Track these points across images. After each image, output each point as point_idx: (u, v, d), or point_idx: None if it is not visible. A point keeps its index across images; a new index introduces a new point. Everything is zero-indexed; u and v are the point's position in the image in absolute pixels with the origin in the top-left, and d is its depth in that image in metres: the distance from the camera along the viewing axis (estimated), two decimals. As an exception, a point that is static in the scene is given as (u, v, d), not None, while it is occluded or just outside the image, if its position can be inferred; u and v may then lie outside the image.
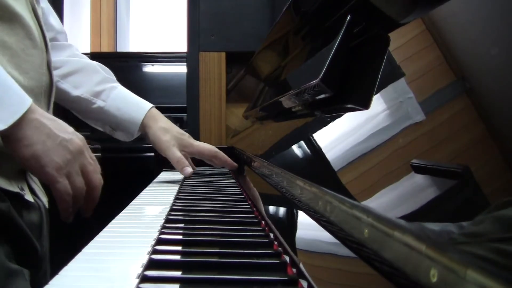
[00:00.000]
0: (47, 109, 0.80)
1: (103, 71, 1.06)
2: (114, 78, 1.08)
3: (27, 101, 0.63)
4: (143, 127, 1.04)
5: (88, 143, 0.74)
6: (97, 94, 1.03)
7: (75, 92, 1.03)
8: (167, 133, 1.03)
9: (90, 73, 1.04)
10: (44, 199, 0.83)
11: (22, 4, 0.76)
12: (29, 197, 0.75)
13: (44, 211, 0.82)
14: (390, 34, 0.46)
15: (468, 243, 0.23)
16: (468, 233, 0.24)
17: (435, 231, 0.27)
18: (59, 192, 0.65)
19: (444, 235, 0.25)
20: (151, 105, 1.06)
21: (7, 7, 0.72)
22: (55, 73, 0.89)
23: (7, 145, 0.63)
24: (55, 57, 0.98)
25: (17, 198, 0.71)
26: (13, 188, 0.71)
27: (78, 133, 0.70)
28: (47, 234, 0.84)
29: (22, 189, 0.73)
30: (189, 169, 1.01)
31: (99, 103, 1.04)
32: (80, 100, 1.04)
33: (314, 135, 0.61)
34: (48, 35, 0.91)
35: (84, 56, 1.08)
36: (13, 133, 0.62)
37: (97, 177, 0.73)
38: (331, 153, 0.52)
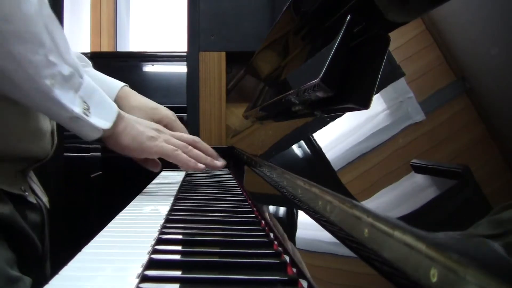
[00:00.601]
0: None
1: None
2: (88, 63, 1.04)
3: (114, 104, 0.77)
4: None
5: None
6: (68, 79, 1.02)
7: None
8: (138, 110, 0.96)
9: None
10: (45, 199, 0.83)
11: None
12: (31, 198, 0.75)
13: (45, 211, 0.82)
14: (390, 34, 0.46)
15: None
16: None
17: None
18: (164, 151, 0.83)
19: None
20: (122, 84, 1.01)
21: None
22: None
23: (109, 144, 0.78)
24: None
25: (20, 199, 0.71)
26: (16, 190, 0.71)
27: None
28: (48, 234, 0.83)
29: (24, 191, 0.73)
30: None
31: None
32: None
33: (314, 135, 0.61)
34: None
35: None
36: (112, 131, 0.76)
37: (187, 135, 0.91)
38: (331, 153, 0.52)
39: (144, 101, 1.01)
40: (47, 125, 0.76)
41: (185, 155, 0.84)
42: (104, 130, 0.73)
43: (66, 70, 0.65)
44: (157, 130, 0.85)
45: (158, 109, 0.99)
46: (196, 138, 0.91)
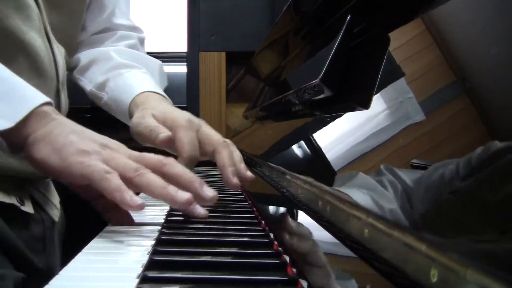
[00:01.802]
0: None
1: (122, 57, 0.89)
2: (140, 64, 0.89)
3: (38, 99, 0.54)
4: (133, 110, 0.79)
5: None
6: (101, 86, 0.86)
7: (88, 87, 0.89)
8: (144, 110, 0.75)
9: (102, 61, 0.89)
10: (53, 212, 0.79)
11: (31, 28, 0.69)
12: (27, 208, 0.70)
13: (50, 225, 0.77)
14: (390, 34, 0.46)
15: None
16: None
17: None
18: (94, 175, 0.51)
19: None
20: (146, 88, 0.81)
21: (11, 34, 0.66)
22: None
23: (26, 156, 0.54)
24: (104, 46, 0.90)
25: (12, 209, 0.67)
26: (10, 199, 0.67)
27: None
28: (57, 248, 0.79)
29: (21, 201, 0.69)
30: (165, 134, 0.69)
31: (104, 97, 0.86)
32: (93, 96, 0.88)
33: (314, 135, 0.61)
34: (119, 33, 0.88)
35: (125, 42, 0.95)
36: (24, 136, 0.53)
37: (153, 156, 0.58)
38: (331, 153, 0.52)
39: (161, 108, 0.77)
40: None
41: (116, 181, 0.50)
42: (2, 133, 0.51)
43: None
44: (102, 144, 0.54)
45: (167, 115, 0.75)
46: (167, 160, 0.57)
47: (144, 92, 0.80)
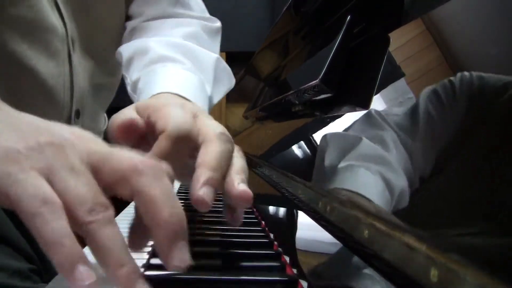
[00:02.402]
0: None
1: (163, 48, 0.71)
2: (186, 57, 0.71)
3: None
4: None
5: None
6: (134, 88, 0.70)
7: (128, 89, 0.73)
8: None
9: (139, 56, 0.73)
10: None
11: (41, 54, 0.63)
12: None
13: None
14: (390, 34, 0.46)
15: None
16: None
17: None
18: (21, 199, 0.31)
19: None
20: (166, 88, 0.60)
21: (16, 59, 0.60)
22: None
23: None
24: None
25: None
26: None
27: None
28: None
29: None
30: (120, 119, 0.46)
31: (135, 99, 0.69)
32: (133, 100, 0.71)
33: (314, 135, 0.61)
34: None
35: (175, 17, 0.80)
36: None
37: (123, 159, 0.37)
38: (331, 153, 0.52)
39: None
40: None
41: (56, 226, 0.31)
42: None
43: None
44: (48, 142, 0.32)
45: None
46: (145, 164, 0.37)
47: (160, 93, 0.59)
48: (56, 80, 0.67)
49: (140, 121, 0.45)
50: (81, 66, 0.73)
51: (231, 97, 1.61)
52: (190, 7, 0.85)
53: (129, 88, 0.72)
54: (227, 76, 0.80)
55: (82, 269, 0.31)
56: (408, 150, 0.31)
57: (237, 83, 1.64)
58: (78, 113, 0.74)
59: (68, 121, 0.72)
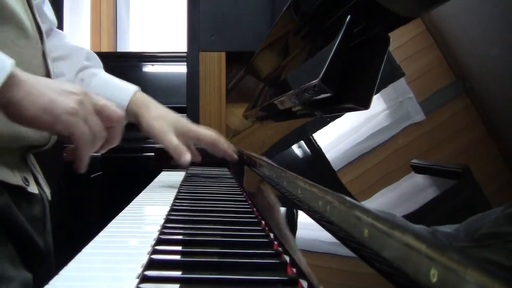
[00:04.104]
0: None
1: (85, 57, 0.98)
2: (98, 63, 1.00)
3: (9, 62, 0.56)
4: (133, 115, 0.94)
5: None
6: (79, 81, 0.95)
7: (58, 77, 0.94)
8: (161, 120, 0.93)
9: (73, 61, 0.96)
10: (47, 191, 0.81)
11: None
12: (33, 188, 0.73)
13: (47, 204, 0.79)
14: (390, 34, 0.46)
15: (488, 245, 0.23)
16: (486, 234, 0.24)
17: (448, 234, 0.27)
18: (81, 138, 0.62)
19: (458, 237, 0.25)
20: (136, 88, 0.95)
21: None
22: None
23: (10, 116, 0.58)
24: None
25: (19, 190, 0.69)
26: (17, 180, 0.68)
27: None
28: (50, 229, 0.81)
29: (26, 180, 0.71)
30: (187, 156, 0.90)
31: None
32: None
33: (314, 135, 0.61)
34: (44, 27, 0.89)
35: (70, 42, 1.02)
36: (8, 99, 0.56)
37: (115, 110, 0.68)
38: (331, 153, 0.52)
39: (165, 110, 0.95)
40: None
41: (89, 152, 0.64)
42: None
43: None
44: (78, 99, 0.62)
45: (181, 121, 0.96)
46: (118, 115, 0.68)
47: (136, 95, 0.93)
48: (25, 17, 0.72)
49: None
50: (35, 8, 0.79)
51: (231, 97, 1.61)
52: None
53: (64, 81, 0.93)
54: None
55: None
56: None
57: (237, 83, 1.64)
58: (47, 54, 0.79)
59: (44, 57, 0.77)
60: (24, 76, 0.58)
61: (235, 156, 1.00)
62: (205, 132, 0.98)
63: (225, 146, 1.00)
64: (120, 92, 0.93)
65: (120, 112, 0.68)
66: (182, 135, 0.94)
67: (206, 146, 0.99)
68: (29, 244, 0.70)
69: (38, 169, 0.80)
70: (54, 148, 0.77)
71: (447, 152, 0.32)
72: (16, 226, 0.67)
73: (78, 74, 0.96)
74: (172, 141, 0.91)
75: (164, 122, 0.93)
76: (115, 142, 0.70)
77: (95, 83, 0.94)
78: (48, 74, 0.77)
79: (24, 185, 0.70)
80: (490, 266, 0.20)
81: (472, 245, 0.24)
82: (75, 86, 0.65)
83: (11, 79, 0.55)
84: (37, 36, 0.77)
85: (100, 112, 0.65)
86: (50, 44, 0.93)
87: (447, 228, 0.27)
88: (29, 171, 0.74)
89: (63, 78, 0.95)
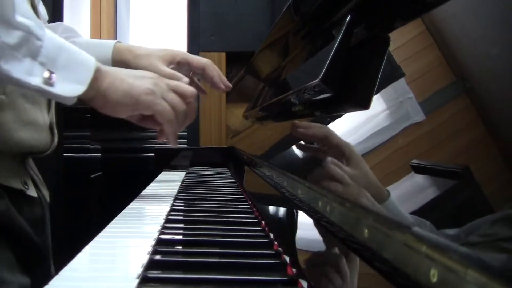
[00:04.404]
0: (49, 107, 0.79)
1: (62, 31, 0.94)
2: (75, 33, 0.97)
3: (91, 58, 0.65)
4: (121, 64, 0.89)
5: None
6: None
7: None
8: (147, 56, 0.88)
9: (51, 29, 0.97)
10: (46, 193, 0.81)
11: None
12: (32, 192, 0.73)
13: (47, 206, 0.80)
14: (390, 34, 0.46)
15: (481, 242, 0.23)
16: (482, 234, 0.24)
17: (448, 235, 0.27)
18: (163, 114, 0.71)
19: (458, 237, 0.25)
20: (115, 40, 0.93)
21: None
22: None
23: (96, 106, 0.67)
24: None
25: (19, 194, 0.70)
26: (16, 184, 0.69)
27: None
28: (49, 231, 0.82)
29: (25, 184, 0.72)
30: (185, 79, 0.84)
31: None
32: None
33: (314, 135, 0.61)
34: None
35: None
36: (96, 90, 0.65)
37: (187, 87, 0.76)
38: (331, 153, 0.52)
39: (150, 48, 0.92)
40: (43, 118, 0.74)
41: (172, 129, 0.73)
42: (81, 94, 0.63)
43: (13, 38, 0.56)
44: (155, 83, 0.72)
45: (167, 49, 0.91)
46: (192, 91, 0.77)
47: (116, 43, 0.91)
48: None
49: None
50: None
51: (231, 97, 1.61)
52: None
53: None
54: None
55: (175, 138, 0.76)
56: None
57: (237, 84, 1.64)
58: None
59: None
60: (105, 68, 0.67)
61: (222, 86, 0.96)
62: (195, 56, 0.92)
63: (214, 73, 0.94)
64: (101, 48, 0.90)
65: (192, 88, 0.76)
66: (173, 63, 0.90)
67: (196, 71, 0.95)
68: (30, 246, 0.70)
69: (37, 172, 0.80)
70: (53, 159, 0.77)
71: (447, 152, 0.32)
72: (16, 229, 0.67)
73: (62, 35, 0.92)
74: (166, 70, 0.87)
75: (150, 57, 0.89)
76: (193, 117, 0.79)
77: (78, 44, 0.92)
78: None
79: (24, 188, 0.71)
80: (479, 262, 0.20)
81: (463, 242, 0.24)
82: (149, 72, 0.74)
83: (96, 73, 0.64)
84: None
85: (175, 91, 0.73)
86: None
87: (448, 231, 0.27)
88: (28, 175, 0.75)
89: None
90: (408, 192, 0.34)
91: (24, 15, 0.58)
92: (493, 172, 0.27)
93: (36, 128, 0.72)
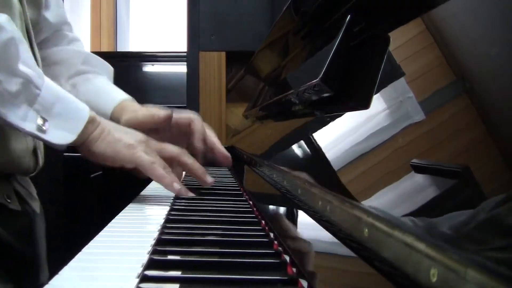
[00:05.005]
0: None
1: (82, 62, 0.94)
2: (100, 67, 0.97)
3: (85, 108, 0.69)
4: (117, 122, 0.84)
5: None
6: (71, 88, 0.90)
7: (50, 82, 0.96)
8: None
9: (68, 65, 0.94)
10: (35, 204, 0.81)
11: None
12: (14, 206, 0.73)
13: (35, 217, 0.80)
14: (390, 34, 0.46)
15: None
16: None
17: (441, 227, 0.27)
18: (145, 166, 0.72)
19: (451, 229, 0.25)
20: (126, 96, 0.89)
21: None
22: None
23: (81, 151, 0.71)
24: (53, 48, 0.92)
25: (1, 207, 0.70)
26: None
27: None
28: (42, 239, 0.82)
29: (8, 197, 0.72)
30: (166, 112, 0.83)
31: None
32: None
33: (314, 135, 0.61)
34: (46, 33, 0.88)
35: (73, 46, 0.98)
36: (85, 139, 0.69)
37: (172, 148, 0.77)
38: (331, 153, 0.52)
39: (134, 114, 0.84)
40: (26, 143, 0.73)
41: (161, 170, 0.72)
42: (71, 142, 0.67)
43: (13, 85, 0.59)
44: (140, 140, 0.74)
45: (150, 115, 0.83)
46: (180, 152, 0.77)
47: (122, 101, 0.88)
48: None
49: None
50: (35, 41, 0.78)
51: (231, 97, 1.61)
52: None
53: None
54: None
55: (176, 184, 0.73)
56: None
57: (237, 83, 1.64)
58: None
59: None
60: (98, 119, 0.71)
61: (227, 155, 0.90)
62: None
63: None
64: (106, 99, 0.88)
65: (176, 149, 0.76)
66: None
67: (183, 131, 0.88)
68: (14, 257, 0.71)
69: (28, 185, 0.81)
70: (52, 150, 0.77)
71: (447, 152, 0.32)
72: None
73: (71, 79, 0.93)
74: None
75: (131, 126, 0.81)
76: (198, 172, 0.79)
77: (85, 89, 0.90)
78: None
79: (5, 202, 0.71)
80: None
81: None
82: (139, 133, 0.76)
83: (87, 124, 0.68)
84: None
85: (160, 152, 0.74)
86: (49, 50, 0.94)
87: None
88: (11, 189, 0.75)
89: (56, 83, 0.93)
90: (408, 192, 0.34)
91: (26, 64, 0.61)
92: (493, 172, 0.27)
93: (16, 155, 0.71)
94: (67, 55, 0.95)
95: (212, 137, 0.89)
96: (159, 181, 0.73)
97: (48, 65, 0.92)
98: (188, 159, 0.77)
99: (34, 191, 0.86)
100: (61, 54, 0.95)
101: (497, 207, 0.24)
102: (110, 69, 1.01)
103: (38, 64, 0.75)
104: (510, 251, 0.20)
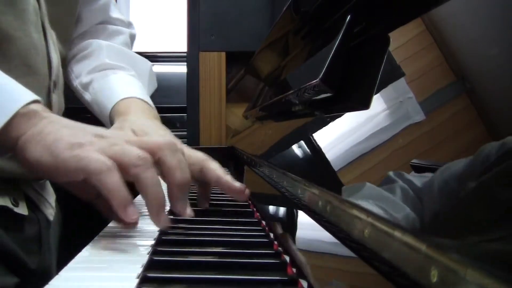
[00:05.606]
0: None
1: (107, 55, 0.87)
2: (131, 62, 0.89)
3: (23, 99, 0.51)
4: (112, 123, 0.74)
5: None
6: (86, 86, 0.85)
7: (74, 82, 0.88)
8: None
9: (93, 59, 0.88)
10: (48, 211, 0.78)
11: (26, 23, 0.67)
12: (21, 210, 0.69)
13: (46, 225, 0.76)
14: (390, 34, 0.46)
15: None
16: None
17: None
18: (96, 174, 0.47)
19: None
20: (130, 94, 0.77)
21: (1, 30, 0.64)
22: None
23: (17, 156, 0.51)
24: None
25: (6, 211, 0.66)
26: (3, 201, 0.65)
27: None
28: (53, 250, 0.78)
29: (14, 201, 0.68)
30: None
31: (86, 96, 0.85)
32: (77, 93, 0.87)
33: (314, 135, 0.61)
34: (84, 27, 0.88)
35: (117, 40, 0.93)
36: (15, 140, 0.50)
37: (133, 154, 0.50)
38: (331, 153, 0.52)
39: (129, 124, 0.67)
40: None
41: (115, 178, 0.47)
42: None
43: None
44: (97, 135, 0.50)
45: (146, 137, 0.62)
46: (165, 146, 0.53)
47: (127, 98, 0.76)
48: (38, 51, 0.69)
49: None
50: (52, 38, 0.76)
51: (231, 97, 1.61)
52: (118, 10, 1.00)
53: (76, 83, 0.88)
54: (154, 81, 1.03)
55: (130, 208, 0.48)
56: (419, 198, 0.31)
57: (237, 83, 1.64)
58: (55, 84, 0.75)
59: (48, 92, 0.73)
60: (42, 114, 0.52)
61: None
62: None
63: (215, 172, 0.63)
64: (110, 97, 0.77)
65: (141, 156, 0.49)
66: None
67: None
68: (18, 266, 0.66)
69: (39, 190, 0.76)
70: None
71: (447, 152, 0.32)
72: (2, 247, 0.63)
73: (90, 74, 0.85)
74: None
75: (125, 123, 0.68)
76: (175, 182, 0.55)
77: (98, 86, 0.82)
78: (49, 109, 0.69)
79: (10, 206, 0.66)
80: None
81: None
82: (103, 129, 0.53)
83: (17, 118, 0.50)
84: (46, 72, 0.72)
85: (141, 146, 0.51)
86: (84, 43, 0.92)
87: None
88: (21, 193, 0.71)
89: (77, 80, 0.87)
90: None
91: None
92: (493, 172, 0.27)
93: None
94: (95, 48, 0.91)
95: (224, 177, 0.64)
96: (109, 196, 0.47)
97: (76, 59, 0.91)
98: (170, 159, 0.53)
99: (51, 198, 0.81)
100: (92, 46, 0.91)
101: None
102: (146, 66, 0.96)
103: (50, 60, 0.74)
104: (509, 241, 0.20)
